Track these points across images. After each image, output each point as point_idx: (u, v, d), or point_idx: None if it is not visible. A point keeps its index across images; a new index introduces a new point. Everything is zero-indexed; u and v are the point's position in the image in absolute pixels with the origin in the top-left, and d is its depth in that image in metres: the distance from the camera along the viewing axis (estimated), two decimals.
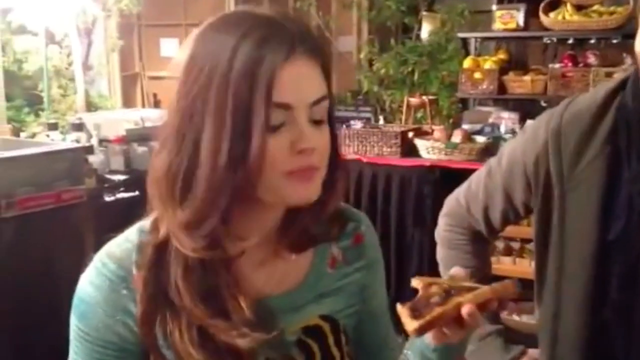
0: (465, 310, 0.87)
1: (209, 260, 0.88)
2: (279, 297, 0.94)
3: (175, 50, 6.81)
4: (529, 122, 3.76)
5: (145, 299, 0.89)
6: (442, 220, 1.51)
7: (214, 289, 0.88)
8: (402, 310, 0.88)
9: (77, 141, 3.30)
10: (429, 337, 0.94)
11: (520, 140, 1.33)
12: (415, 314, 0.88)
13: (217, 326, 0.87)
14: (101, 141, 3.41)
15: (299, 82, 0.85)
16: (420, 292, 0.91)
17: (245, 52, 0.83)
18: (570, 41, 3.94)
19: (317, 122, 0.87)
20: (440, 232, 1.51)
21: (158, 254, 0.90)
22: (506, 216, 1.37)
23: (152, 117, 3.78)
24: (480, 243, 1.46)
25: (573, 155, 1.22)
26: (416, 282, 0.92)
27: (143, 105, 6.57)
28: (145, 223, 0.93)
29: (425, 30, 5.64)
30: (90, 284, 0.91)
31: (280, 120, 0.84)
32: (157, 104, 6.68)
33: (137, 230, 0.94)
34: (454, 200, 1.48)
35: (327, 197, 0.93)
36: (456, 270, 0.97)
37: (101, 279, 0.91)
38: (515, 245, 3.77)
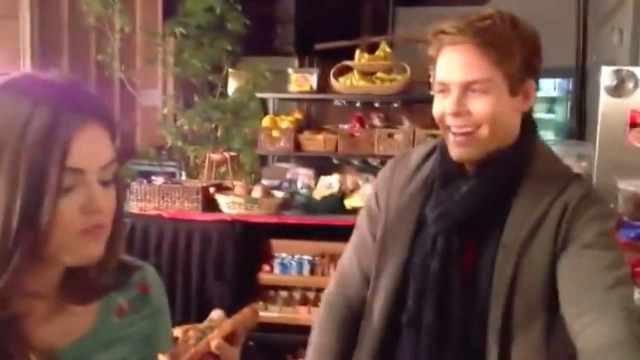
0: (213, 345, 0.94)
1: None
2: (66, 348, 0.98)
3: None
4: (322, 177, 4.05)
5: None
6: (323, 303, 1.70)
7: (3, 347, 0.92)
8: (163, 358, 0.93)
9: None
10: None
11: (374, 184, 1.68)
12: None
13: None
14: None
15: (91, 147, 0.93)
16: (180, 338, 0.97)
17: (40, 119, 0.89)
18: (358, 104, 4.29)
19: (105, 183, 0.96)
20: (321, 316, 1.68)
21: None
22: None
23: None
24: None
25: (400, 189, 1.56)
26: (177, 331, 0.99)
27: None
28: None
29: (232, 87, 5.83)
30: None
31: (72, 183, 0.91)
32: None
33: None
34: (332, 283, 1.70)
35: (110, 250, 1.00)
36: (215, 313, 1.04)
37: None
38: (311, 294, 3.97)
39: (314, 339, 1.66)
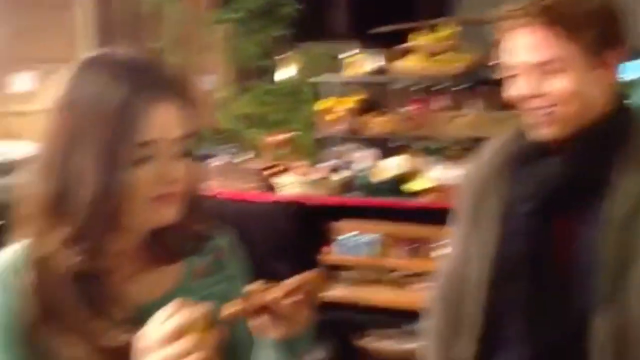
0: (269, 297, 0.97)
1: (88, 271, 0.99)
2: (149, 306, 1.01)
3: (25, 86, 6.59)
4: (383, 160, 4.00)
5: (32, 306, 0.97)
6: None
7: (94, 295, 0.99)
8: (225, 308, 0.96)
9: None
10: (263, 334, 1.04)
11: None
12: None
13: (97, 329, 0.97)
14: None
15: (164, 121, 0.99)
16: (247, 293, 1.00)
17: (116, 93, 0.96)
18: (422, 85, 4.21)
19: (181, 155, 1.02)
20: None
21: (42, 266, 0.99)
22: None
23: (10, 150, 3.65)
24: None
25: (484, 179, 1.53)
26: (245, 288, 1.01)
27: None
28: (17, 245, 1.03)
29: (285, 72, 5.81)
30: None
31: (147, 154, 0.98)
32: (8, 139, 6.40)
33: (12, 251, 1.03)
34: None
35: (190, 217, 1.08)
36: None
37: None
38: (374, 275, 3.94)
39: (425, 326, 1.65)
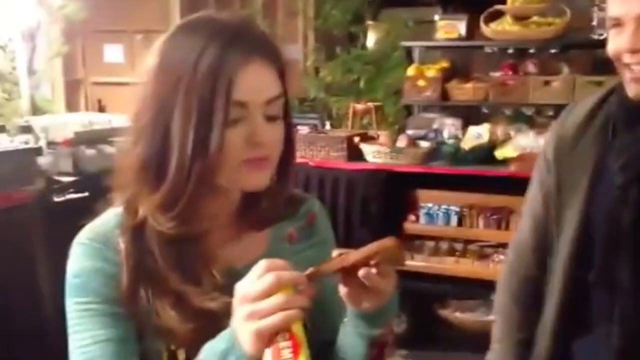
0: (346, 261, 0.93)
1: (181, 235, 1.01)
2: (242, 270, 1.01)
3: (119, 57, 6.78)
4: (470, 127, 3.90)
5: (128, 270, 1.00)
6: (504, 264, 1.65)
7: (186, 260, 1.01)
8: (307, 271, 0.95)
9: (26, 143, 3.27)
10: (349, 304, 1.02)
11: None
12: None
13: (190, 292, 0.99)
14: (49, 144, 3.38)
15: (255, 82, 0.98)
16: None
17: (209, 54, 0.96)
18: (510, 51, 4.08)
19: (271, 118, 1.00)
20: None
21: (137, 231, 1.02)
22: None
23: (99, 120, 3.76)
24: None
25: (570, 144, 1.44)
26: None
27: (87, 111, 6.50)
28: (117, 209, 1.05)
29: (371, 39, 5.75)
30: (80, 258, 1.03)
31: (238, 115, 0.97)
32: (102, 110, 6.62)
33: (112, 214, 1.06)
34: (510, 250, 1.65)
35: (281, 183, 1.09)
36: None
37: (90, 250, 1.02)
38: (458, 245, 3.89)
39: (496, 302, 1.63)
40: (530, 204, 1.55)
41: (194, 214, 1.01)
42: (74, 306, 1.02)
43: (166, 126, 0.97)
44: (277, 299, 0.87)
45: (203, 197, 1.01)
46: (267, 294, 0.87)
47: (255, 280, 0.88)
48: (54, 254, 2.91)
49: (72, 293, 1.02)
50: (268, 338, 0.87)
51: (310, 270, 0.92)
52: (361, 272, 0.93)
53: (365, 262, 0.94)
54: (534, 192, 1.54)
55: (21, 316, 2.89)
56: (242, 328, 0.88)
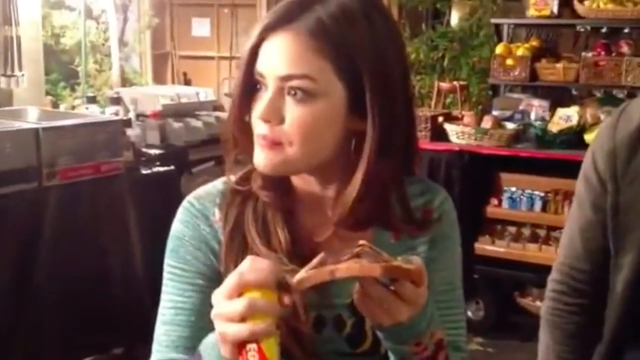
0: (337, 275, 0.82)
1: (273, 209, 1.00)
2: None
3: (205, 30, 6.87)
4: (559, 109, 3.78)
5: (226, 235, 1.00)
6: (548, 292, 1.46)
7: (269, 226, 0.99)
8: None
9: (116, 114, 3.36)
10: None
11: (587, 154, 1.37)
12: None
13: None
14: (138, 115, 3.46)
15: (273, 53, 0.92)
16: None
17: (258, 24, 0.95)
18: (604, 30, 3.92)
19: (296, 98, 0.92)
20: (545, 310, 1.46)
21: (235, 198, 1.02)
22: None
23: (187, 93, 3.83)
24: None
25: (627, 153, 1.27)
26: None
27: (173, 84, 6.64)
28: (231, 177, 1.04)
29: (455, 16, 5.64)
30: (178, 221, 1.04)
31: (260, 86, 0.95)
32: (187, 83, 6.75)
33: (222, 181, 1.06)
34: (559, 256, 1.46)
35: (372, 186, 0.95)
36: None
37: (187, 216, 1.03)
38: (541, 232, 3.79)
39: (542, 343, 1.46)
40: (580, 229, 1.37)
41: (281, 187, 0.99)
42: (166, 267, 1.03)
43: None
44: (237, 303, 0.79)
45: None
46: (231, 294, 0.80)
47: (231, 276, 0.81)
48: (141, 225, 3.01)
49: (167, 254, 1.03)
50: (235, 346, 0.80)
51: (297, 278, 0.81)
52: (372, 293, 0.84)
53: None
54: (585, 215, 1.35)
55: (115, 283, 2.99)
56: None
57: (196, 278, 1.00)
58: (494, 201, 3.82)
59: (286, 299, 0.81)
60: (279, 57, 0.92)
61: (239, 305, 0.79)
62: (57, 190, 2.80)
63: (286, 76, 0.92)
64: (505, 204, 3.79)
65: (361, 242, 0.85)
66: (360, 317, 0.96)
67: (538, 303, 3.73)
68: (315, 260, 0.84)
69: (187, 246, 1.01)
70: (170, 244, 1.03)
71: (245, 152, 0.99)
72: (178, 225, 1.03)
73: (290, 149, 0.93)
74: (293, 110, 0.92)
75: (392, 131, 0.95)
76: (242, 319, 0.79)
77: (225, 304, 0.80)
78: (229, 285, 0.81)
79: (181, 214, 1.04)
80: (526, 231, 3.82)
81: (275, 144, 0.94)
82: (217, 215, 1.02)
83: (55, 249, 2.76)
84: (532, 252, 3.67)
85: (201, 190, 1.06)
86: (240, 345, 0.80)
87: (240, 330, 0.79)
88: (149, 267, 2.95)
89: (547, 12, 4.00)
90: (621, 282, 1.30)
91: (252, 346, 0.79)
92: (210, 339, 0.88)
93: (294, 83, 0.92)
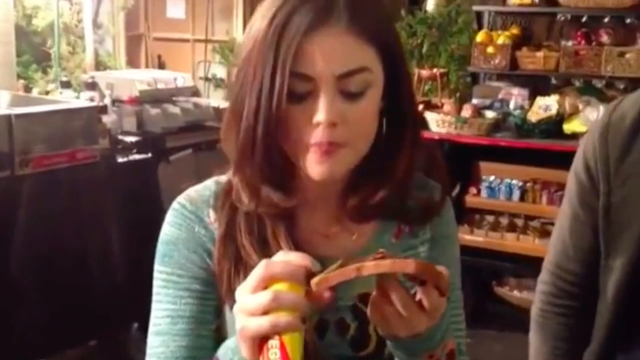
0: (364, 270, 0.78)
1: (264, 213, 0.93)
2: (336, 260, 0.92)
3: (180, 12, 6.77)
4: (539, 98, 3.77)
5: (219, 239, 0.94)
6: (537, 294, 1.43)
7: (272, 242, 0.92)
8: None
9: (91, 100, 3.27)
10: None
11: (578, 151, 1.34)
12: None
13: None
14: (114, 101, 3.38)
15: (323, 53, 0.84)
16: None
17: (277, 19, 0.85)
18: (584, 19, 3.91)
19: (350, 96, 0.87)
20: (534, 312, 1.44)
21: (229, 199, 0.95)
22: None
23: (164, 78, 3.75)
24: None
25: (620, 152, 1.25)
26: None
27: (147, 67, 6.53)
28: (222, 176, 0.99)
29: (431, 2, 5.60)
30: (169, 224, 0.97)
31: (304, 90, 0.86)
32: (161, 66, 6.64)
33: (214, 181, 1.00)
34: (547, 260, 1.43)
35: (389, 167, 0.94)
36: None
37: (180, 218, 0.97)
38: (519, 221, 3.81)
39: (532, 346, 1.43)
40: (570, 228, 1.34)
41: (284, 192, 0.91)
42: (157, 274, 0.97)
43: (243, 93, 0.89)
44: (262, 295, 0.75)
45: (281, 173, 0.91)
46: (256, 287, 0.76)
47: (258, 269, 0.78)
48: (118, 215, 2.95)
49: (158, 260, 0.97)
50: (256, 342, 0.76)
51: (318, 278, 0.76)
52: (396, 298, 0.79)
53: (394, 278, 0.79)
54: (575, 214, 1.33)
55: (92, 273, 2.94)
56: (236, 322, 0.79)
57: (193, 283, 0.95)
58: (473, 190, 3.82)
59: (326, 294, 0.77)
60: (331, 55, 0.85)
61: (263, 297, 0.75)
62: (30, 179, 2.73)
63: (345, 73, 0.85)
64: (483, 193, 3.79)
65: (381, 250, 0.81)
66: (364, 319, 0.93)
67: (515, 293, 3.76)
68: (334, 265, 0.79)
69: (182, 250, 0.95)
70: (161, 248, 0.97)
71: (274, 170, 0.90)
72: (170, 229, 0.97)
73: (348, 149, 0.88)
74: (353, 108, 0.87)
75: (414, 109, 0.96)
76: (266, 312, 0.74)
77: (249, 297, 0.76)
78: (254, 277, 0.77)
79: (173, 216, 0.97)
80: (504, 220, 3.83)
81: (339, 148, 0.87)
82: (212, 216, 0.96)
83: (29, 239, 2.70)
84: (510, 242, 3.68)
85: (192, 192, 0.99)
86: (261, 342, 0.75)
87: (262, 323, 0.74)
88: (126, 257, 2.90)
89: (528, 1, 3.98)
90: (612, 285, 1.27)
91: (274, 342, 0.74)
92: (230, 343, 0.84)
93: (353, 78, 0.86)
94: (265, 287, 0.76)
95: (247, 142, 0.88)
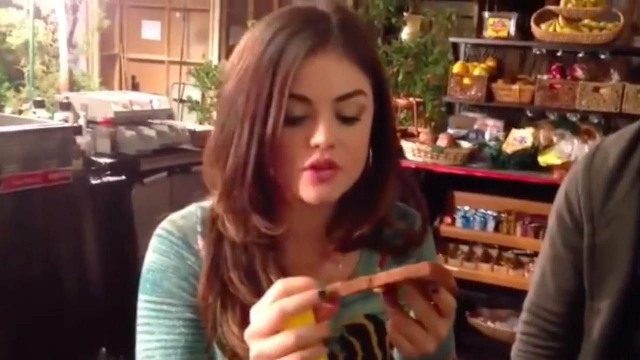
0: (375, 283, 0.78)
1: (253, 244, 0.91)
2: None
3: (156, 34, 6.74)
4: (514, 131, 3.81)
5: (204, 275, 0.91)
6: (518, 335, 1.40)
7: (259, 272, 0.90)
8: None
9: (66, 121, 3.22)
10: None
11: (560, 191, 1.33)
12: None
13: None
14: (89, 123, 3.33)
15: (321, 76, 0.86)
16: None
17: (274, 45, 0.86)
18: (560, 54, 3.97)
19: (347, 120, 0.88)
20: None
21: (215, 227, 0.93)
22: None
23: (140, 101, 3.71)
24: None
25: (604, 192, 1.24)
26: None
27: (121, 88, 6.49)
28: (205, 203, 0.97)
29: (406, 32, 5.65)
30: (157, 252, 0.95)
31: (301, 113, 0.86)
32: (135, 87, 6.60)
33: (198, 207, 0.98)
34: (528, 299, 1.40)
35: (376, 198, 0.94)
36: None
37: (167, 245, 0.94)
38: (494, 252, 3.81)
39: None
40: (552, 269, 1.32)
41: (271, 221, 0.90)
42: (144, 304, 0.94)
43: (234, 116, 0.88)
44: (284, 339, 0.73)
45: (275, 208, 0.91)
46: (273, 330, 0.74)
47: (265, 308, 0.76)
48: (90, 238, 2.90)
49: (145, 290, 0.94)
50: None
51: (328, 289, 0.76)
52: (416, 309, 0.79)
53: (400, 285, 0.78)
54: (558, 255, 1.31)
55: (66, 295, 2.88)
56: None
57: (186, 312, 0.92)
58: (448, 220, 3.82)
59: (327, 310, 0.76)
60: (330, 79, 0.86)
61: (286, 341, 0.73)
62: (1, 200, 2.67)
63: (344, 96, 0.87)
64: (458, 222, 3.80)
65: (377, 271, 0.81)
66: (351, 350, 0.94)
67: (489, 324, 3.75)
68: (329, 287, 0.78)
69: (173, 278, 0.92)
70: (149, 277, 0.94)
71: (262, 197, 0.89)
72: (157, 257, 0.94)
73: (343, 173, 0.89)
74: (348, 132, 0.88)
75: (397, 141, 0.98)
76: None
77: (266, 343, 0.74)
78: (267, 321, 0.74)
79: (159, 243, 0.94)
80: (479, 251, 3.84)
81: (336, 170, 0.88)
82: (200, 244, 0.94)
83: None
84: (484, 272, 3.69)
85: (178, 218, 0.97)
86: None
87: None
88: (99, 282, 2.84)
89: (504, 34, 4.04)
90: (599, 327, 1.25)
91: None
92: None
93: (349, 102, 0.88)
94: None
95: (238, 169, 0.88)
